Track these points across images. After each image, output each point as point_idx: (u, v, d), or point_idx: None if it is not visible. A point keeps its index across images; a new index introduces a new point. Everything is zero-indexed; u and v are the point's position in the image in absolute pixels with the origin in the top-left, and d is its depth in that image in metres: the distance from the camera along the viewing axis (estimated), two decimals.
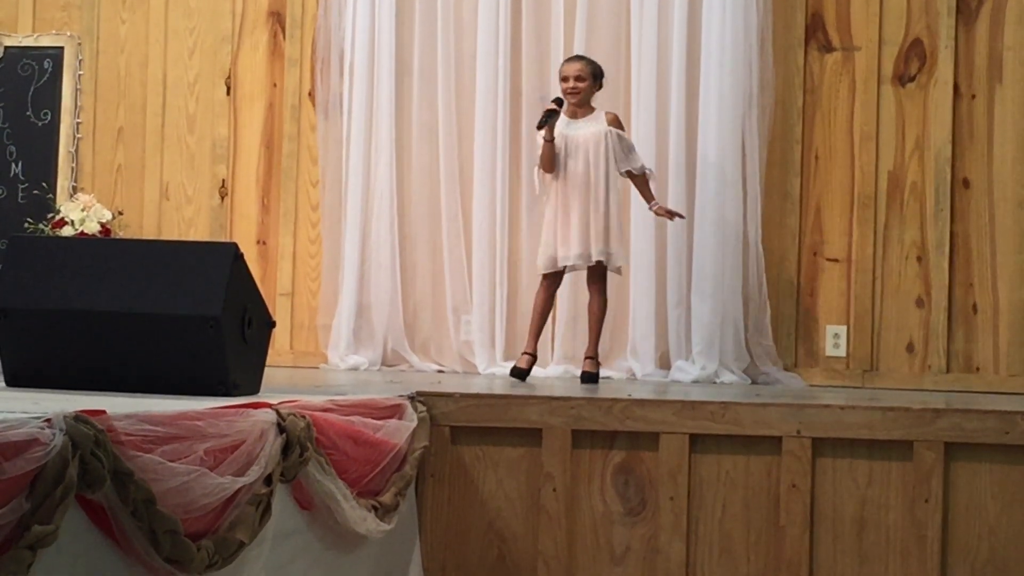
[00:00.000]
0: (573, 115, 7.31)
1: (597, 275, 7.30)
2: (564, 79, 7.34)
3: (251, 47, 8.70)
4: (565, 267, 7.31)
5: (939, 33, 7.96)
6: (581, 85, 7.29)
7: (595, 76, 7.35)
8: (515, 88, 8.21)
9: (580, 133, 7.26)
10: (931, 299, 7.90)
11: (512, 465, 5.62)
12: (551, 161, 7.24)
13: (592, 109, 7.35)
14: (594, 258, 7.19)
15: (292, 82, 8.60)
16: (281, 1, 8.68)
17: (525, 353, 7.35)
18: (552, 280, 7.36)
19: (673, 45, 8.00)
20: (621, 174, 7.29)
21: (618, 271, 7.39)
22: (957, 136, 7.92)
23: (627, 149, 7.29)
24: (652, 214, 7.50)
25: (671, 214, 7.45)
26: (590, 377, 7.28)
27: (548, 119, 7.21)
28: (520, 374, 7.26)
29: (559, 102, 7.29)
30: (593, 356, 7.35)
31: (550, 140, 7.21)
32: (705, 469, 5.53)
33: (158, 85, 8.80)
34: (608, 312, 8.00)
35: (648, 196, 7.38)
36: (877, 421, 5.43)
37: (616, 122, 7.34)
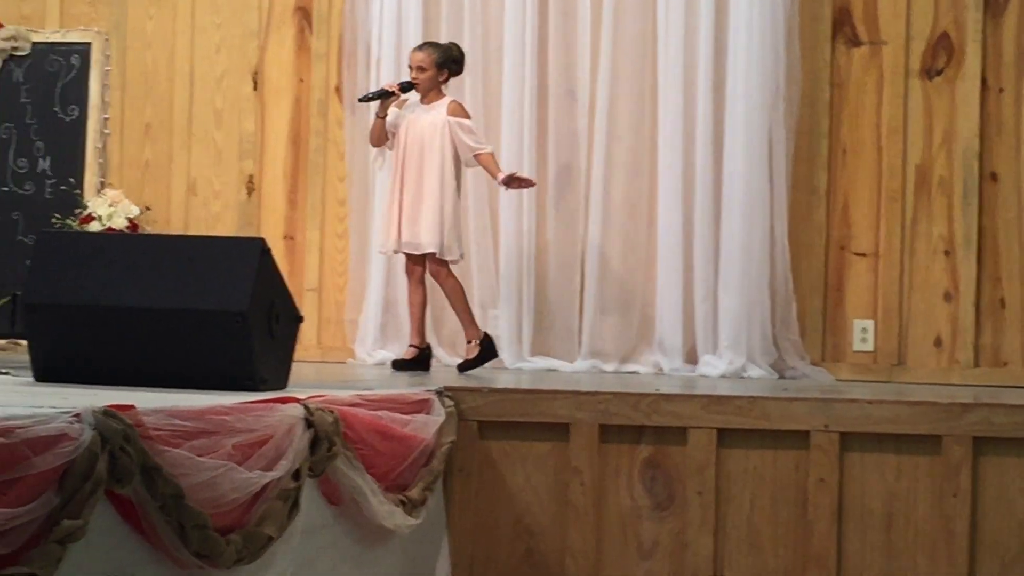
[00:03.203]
0: (423, 99, 7.32)
1: (435, 265, 7.24)
2: (409, 67, 7.37)
3: (278, 42, 8.70)
4: (401, 252, 7.27)
5: (967, 27, 7.92)
6: (421, 76, 7.27)
7: (441, 65, 7.29)
8: (541, 82, 8.19)
9: (421, 119, 7.25)
10: (959, 293, 7.87)
11: (540, 460, 5.63)
12: (377, 137, 7.35)
13: (441, 96, 7.34)
14: (425, 248, 7.18)
15: (319, 77, 8.60)
16: None
17: (411, 346, 7.37)
18: (415, 270, 7.30)
19: (700, 38, 7.97)
20: (469, 162, 7.25)
21: (455, 261, 7.33)
22: (985, 130, 7.89)
23: (468, 134, 7.20)
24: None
25: (521, 182, 7.29)
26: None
27: (374, 97, 7.30)
28: (400, 365, 7.26)
29: (405, 86, 7.30)
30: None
31: (382, 117, 7.27)
32: (733, 464, 5.53)
33: (185, 80, 8.81)
34: (635, 307, 8.01)
35: (495, 173, 7.21)
36: (905, 415, 5.41)
37: (457, 111, 7.27)
